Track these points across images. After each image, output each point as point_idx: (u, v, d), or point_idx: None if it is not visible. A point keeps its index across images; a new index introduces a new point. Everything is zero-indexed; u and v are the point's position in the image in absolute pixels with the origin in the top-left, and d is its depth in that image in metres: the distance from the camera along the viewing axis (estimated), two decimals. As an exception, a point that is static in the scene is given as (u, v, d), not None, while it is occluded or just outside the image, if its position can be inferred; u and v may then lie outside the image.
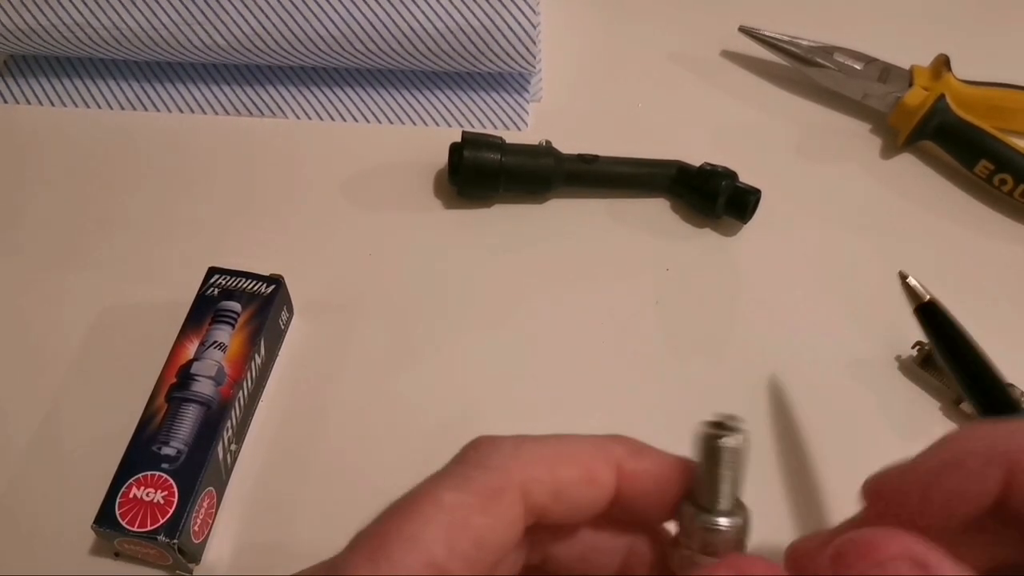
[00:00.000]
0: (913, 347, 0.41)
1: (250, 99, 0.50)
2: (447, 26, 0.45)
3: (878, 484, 0.23)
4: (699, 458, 0.23)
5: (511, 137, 0.46)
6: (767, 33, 0.51)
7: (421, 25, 0.45)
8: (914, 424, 0.40)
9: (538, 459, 0.21)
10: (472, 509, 0.20)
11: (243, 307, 0.39)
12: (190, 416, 0.35)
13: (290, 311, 0.42)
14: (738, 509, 0.23)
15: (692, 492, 0.23)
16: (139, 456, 0.34)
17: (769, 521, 0.37)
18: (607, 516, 0.23)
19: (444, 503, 0.20)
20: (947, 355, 0.36)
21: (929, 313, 0.36)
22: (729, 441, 0.22)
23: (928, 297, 0.36)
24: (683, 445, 0.25)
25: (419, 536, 0.19)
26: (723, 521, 0.22)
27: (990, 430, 0.22)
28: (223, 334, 0.38)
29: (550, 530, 0.23)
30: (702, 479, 0.23)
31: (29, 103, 0.50)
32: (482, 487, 0.20)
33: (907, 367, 0.41)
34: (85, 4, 0.46)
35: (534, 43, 0.46)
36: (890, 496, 0.22)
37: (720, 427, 0.22)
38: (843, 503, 0.36)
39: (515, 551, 0.22)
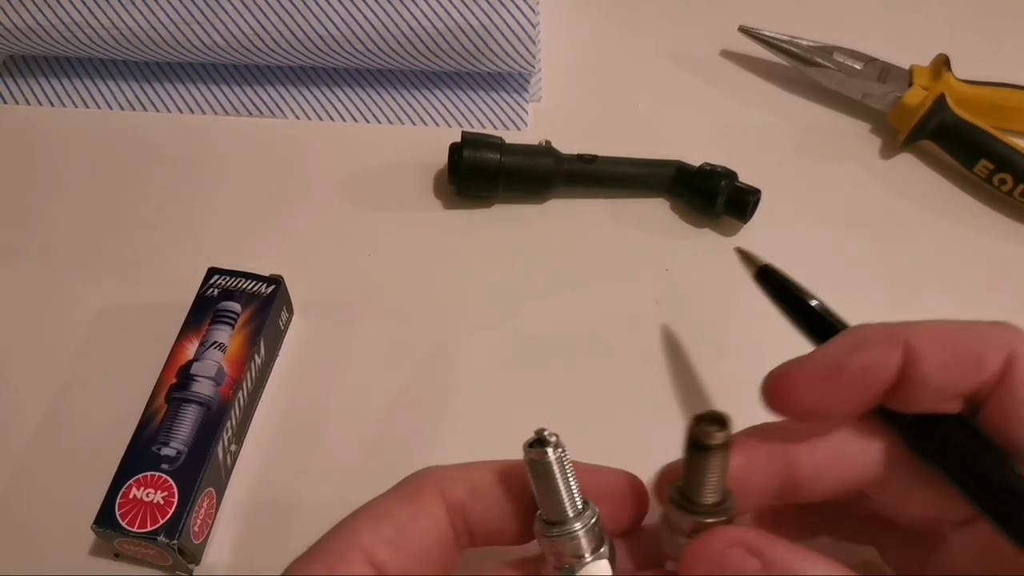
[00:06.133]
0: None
1: (249, 99, 0.50)
2: (447, 26, 0.45)
3: (785, 376, 0.25)
4: (530, 478, 0.23)
5: (511, 137, 0.46)
6: (767, 33, 0.51)
7: (421, 25, 0.45)
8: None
9: (455, 467, 0.25)
10: (394, 503, 0.24)
11: (243, 307, 0.39)
12: (190, 416, 0.35)
13: (290, 311, 0.42)
14: (585, 508, 0.23)
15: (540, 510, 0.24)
16: (139, 456, 0.34)
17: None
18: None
19: (372, 505, 0.24)
20: (790, 313, 0.35)
21: (767, 276, 0.36)
22: (533, 454, 0.23)
23: (763, 263, 0.36)
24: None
25: (348, 527, 0.23)
26: (570, 527, 0.23)
27: (882, 324, 0.25)
28: (223, 334, 0.38)
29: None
30: (539, 497, 0.23)
31: (29, 103, 0.49)
32: (404, 489, 0.24)
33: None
34: (84, 4, 0.46)
35: (534, 43, 0.46)
36: (801, 384, 0.24)
37: (541, 443, 0.23)
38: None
39: (447, 549, 0.24)
